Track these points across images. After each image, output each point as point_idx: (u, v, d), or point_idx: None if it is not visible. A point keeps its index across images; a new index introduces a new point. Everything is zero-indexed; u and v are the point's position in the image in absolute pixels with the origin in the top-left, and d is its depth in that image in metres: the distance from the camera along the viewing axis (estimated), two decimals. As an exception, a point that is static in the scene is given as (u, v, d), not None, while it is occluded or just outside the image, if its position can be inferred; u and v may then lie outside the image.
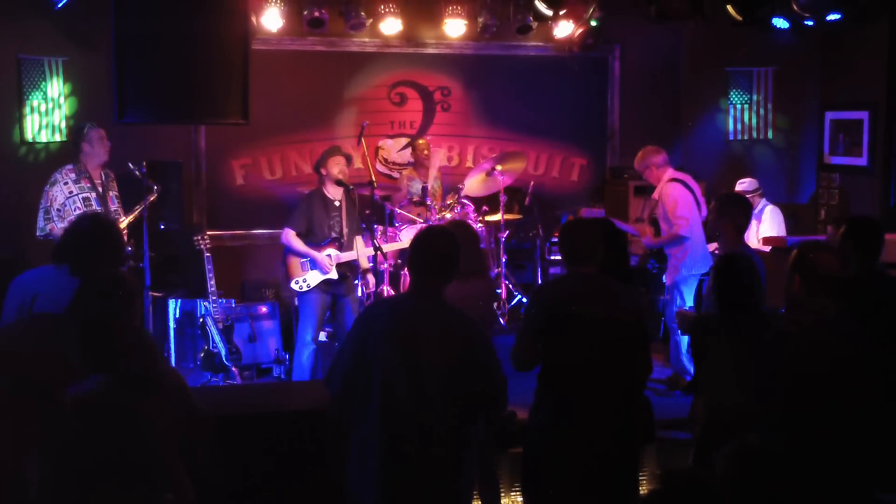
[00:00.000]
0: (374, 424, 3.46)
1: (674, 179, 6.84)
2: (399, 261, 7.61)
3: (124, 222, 6.15)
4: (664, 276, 6.97)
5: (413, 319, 3.50)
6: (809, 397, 3.63)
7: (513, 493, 5.03)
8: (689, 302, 6.88)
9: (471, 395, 3.45)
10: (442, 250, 3.61)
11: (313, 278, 6.40)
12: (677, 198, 6.73)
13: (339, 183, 6.52)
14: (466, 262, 4.53)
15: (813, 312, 3.76)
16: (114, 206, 6.27)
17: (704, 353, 4.17)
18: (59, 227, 6.01)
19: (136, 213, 6.20)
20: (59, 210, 6.06)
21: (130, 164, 6.26)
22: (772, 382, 3.71)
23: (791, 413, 3.66)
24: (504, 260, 7.95)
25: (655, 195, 6.97)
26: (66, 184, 6.10)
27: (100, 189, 6.21)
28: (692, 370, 6.80)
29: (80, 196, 6.11)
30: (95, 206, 6.10)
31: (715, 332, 4.11)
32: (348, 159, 6.61)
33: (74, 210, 6.06)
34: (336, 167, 6.42)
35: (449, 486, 3.47)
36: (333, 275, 6.40)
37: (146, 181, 6.22)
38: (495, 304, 7.82)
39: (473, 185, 7.91)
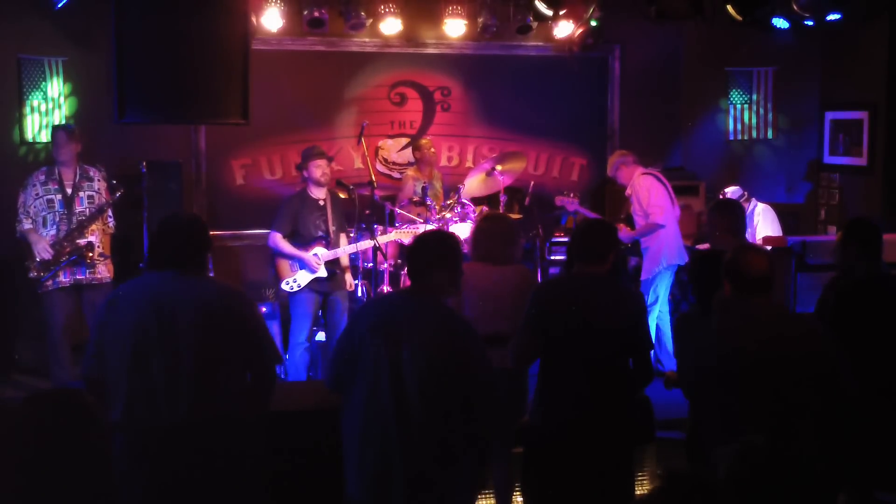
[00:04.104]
0: (357, 417, 3.50)
1: (645, 173, 6.91)
2: (399, 261, 7.62)
3: (92, 224, 6.32)
4: (642, 272, 6.98)
5: (398, 314, 3.53)
6: (769, 396, 3.61)
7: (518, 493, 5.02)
8: (664, 297, 6.89)
9: (452, 393, 3.43)
10: (426, 253, 3.64)
11: (303, 278, 6.44)
12: (650, 188, 6.82)
13: (339, 184, 6.55)
14: (493, 251, 4.67)
15: (750, 314, 3.73)
16: (81, 206, 6.33)
17: (688, 352, 4.16)
18: (25, 226, 6.25)
19: (102, 215, 6.34)
20: (27, 211, 6.28)
21: (99, 166, 6.42)
22: (717, 387, 3.70)
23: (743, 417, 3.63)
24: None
25: (628, 192, 7.02)
26: (34, 186, 6.32)
27: (68, 190, 6.28)
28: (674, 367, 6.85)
29: (45, 198, 6.29)
30: (59, 208, 6.28)
31: (697, 330, 4.10)
32: (329, 160, 6.64)
33: (40, 210, 6.27)
34: (318, 170, 6.45)
35: (434, 482, 3.46)
36: (322, 273, 6.44)
37: (112, 181, 6.42)
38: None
39: (473, 185, 7.91)
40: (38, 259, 6.19)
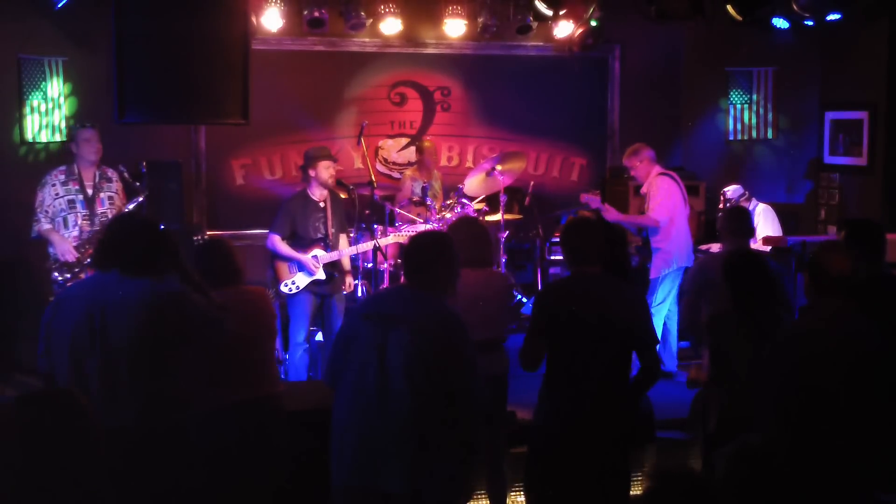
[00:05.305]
0: (345, 403, 3.54)
1: (662, 174, 6.91)
2: (399, 260, 7.62)
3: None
4: (651, 271, 6.95)
5: (391, 304, 3.59)
6: (816, 399, 3.63)
7: (513, 493, 5.03)
8: (673, 297, 6.88)
9: (437, 383, 3.45)
10: (422, 255, 3.67)
11: (301, 280, 6.42)
12: (668, 190, 6.81)
13: (339, 184, 6.53)
14: (476, 254, 4.61)
15: (823, 314, 3.76)
16: (103, 207, 6.27)
17: (722, 353, 4.16)
18: (45, 227, 6.11)
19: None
20: (46, 211, 6.13)
21: (121, 167, 6.33)
22: (779, 385, 3.72)
23: (797, 414, 3.66)
24: (504, 260, 7.96)
25: (644, 190, 7.01)
26: (53, 185, 6.18)
27: (89, 191, 6.23)
28: (673, 368, 6.87)
29: (66, 198, 6.17)
30: (80, 208, 6.18)
31: (733, 332, 4.10)
32: (335, 161, 6.64)
33: (60, 211, 6.16)
34: (326, 171, 6.43)
35: (415, 472, 3.46)
36: (321, 275, 6.42)
37: (135, 183, 6.32)
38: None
39: (473, 185, 7.91)
40: (60, 260, 6.13)
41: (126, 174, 6.33)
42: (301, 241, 6.44)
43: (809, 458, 3.50)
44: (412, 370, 3.42)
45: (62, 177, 6.19)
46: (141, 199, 6.28)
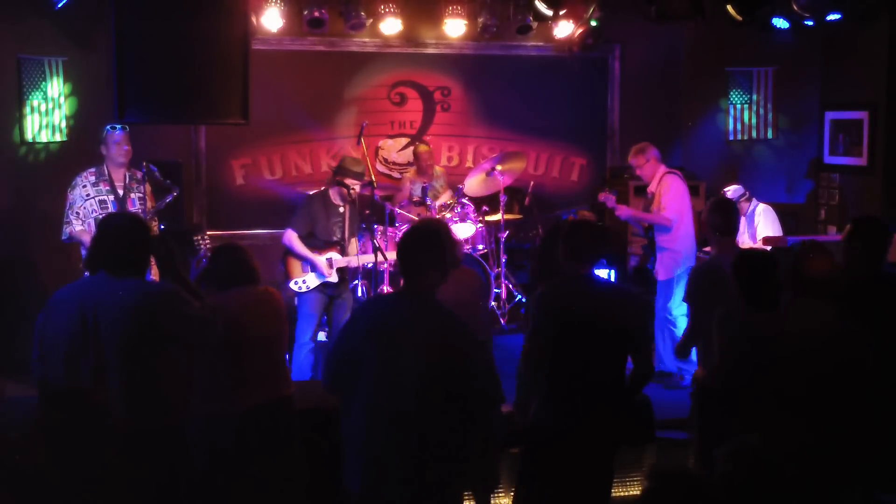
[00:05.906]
0: (358, 420, 3.49)
1: (669, 173, 6.89)
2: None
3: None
4: (658, 272, 6.91)
5: (395, 317, 3.50)
6: (799, 399, 3.64)
7: (512, 493, 5.02)
8: (679, 300, 6.86)
9: (451, 394, 3.43)
10: (415, 249, 3.58)
11: (312, 280, 6.41)
12: (671, 186, 6.79)
13: (338, 183, 6.53)
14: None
15: (802, 314, 3.76)
16: (133, 207, 6.23)
17: (729, 351, 4.16)
18: (76, 228, 6.07)
19: (154, 214, 6.24)
20: (77, 213, 6.11)
21: (152, 167, 6.27)
22: (757, 382, 3.73)
23: (793, 413, 3.66)
24: (504, 260, 7.97)
25: (652, 189, 6.98)
26: (84, 187, 6.15)
27: (120, 192, 6.20)
28: (673, 368, 6.85)
29: (97, 199, 6.13)
30: (112, 208, 6.12)
31: (741, 330, 4.10)
32: (361, 181, 6.57)
33: (91, 212, 6.11)
34: (352, 191, 6.41)
35: (429, 483, 3.46)
36: (333, 278, 6.41)
37: (165, 181, 6.25)
38: (493, 304, 7.85)
39: (473, 185, 7.91)
40: None
41: (157, 173, 6.25)
42: (316, 242, 6.42)
43: (805, 457, 3.50)
44: (426, 385, 3.39)
45: (92, 178, 6.16)
46: (169, 198, 6.22)
